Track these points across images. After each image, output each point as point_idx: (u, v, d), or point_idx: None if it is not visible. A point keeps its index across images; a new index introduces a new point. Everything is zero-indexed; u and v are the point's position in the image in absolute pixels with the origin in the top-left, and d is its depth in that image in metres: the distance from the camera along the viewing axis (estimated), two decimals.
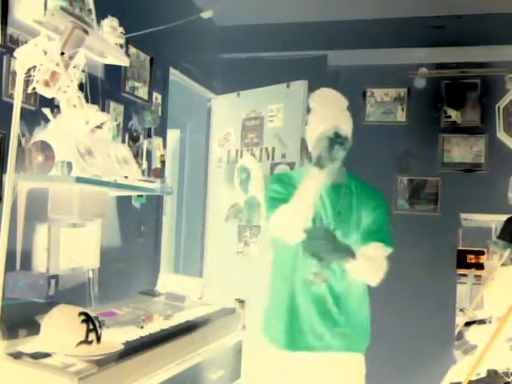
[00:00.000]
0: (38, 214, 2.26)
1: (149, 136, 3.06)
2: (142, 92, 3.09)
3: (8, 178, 1.67)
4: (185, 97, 3.89)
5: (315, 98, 2.02)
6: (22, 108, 1.74)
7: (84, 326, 1.70)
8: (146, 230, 3.21)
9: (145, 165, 2.90)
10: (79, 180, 2.08)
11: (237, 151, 3.86)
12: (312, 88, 1.97)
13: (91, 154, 2.22)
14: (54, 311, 1.76)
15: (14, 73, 1.91)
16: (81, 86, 2.27)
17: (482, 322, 3.07)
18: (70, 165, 2.08)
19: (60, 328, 1.70)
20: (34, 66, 1.92)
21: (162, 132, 3.31)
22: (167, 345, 1.95)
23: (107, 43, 2.48)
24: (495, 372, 2.26)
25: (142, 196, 3.07)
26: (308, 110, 2.05)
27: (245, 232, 3.72)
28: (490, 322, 2.97)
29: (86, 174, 2.13)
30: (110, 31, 2.48)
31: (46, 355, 1.62)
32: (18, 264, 2.17)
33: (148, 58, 3.12)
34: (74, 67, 2.15)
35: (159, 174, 2.98)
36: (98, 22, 2.47)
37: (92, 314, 1.76)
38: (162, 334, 2.02)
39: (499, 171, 3.94)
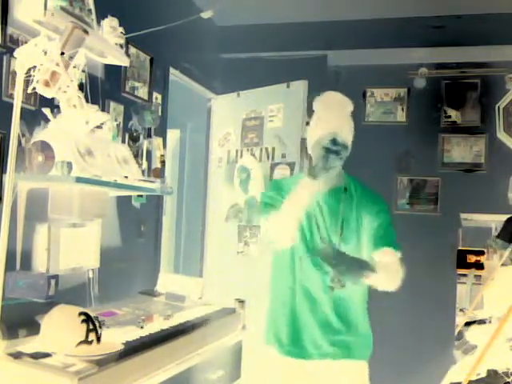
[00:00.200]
0: (38, 214, 2.26)
1: (149, 136, 3.06)
2: (142, 92, 3.09)
3: (8, 178, 1.67)
4: (185, 97, 3.89)
5: (319, 101, 1.99)
6: (22, 108, 1.73)
7: (84, 325, 1.70)
8: (146, 230, 3.21)
9: (145, 165, 2.90)
10: (79, 180, 2.08)
11: (237, 151, 3.86)
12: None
13: (91, 153, 2.22)
14: (53, 311, 1.76)
15: (14, 73, 1.91)
16: (81, 86, 2.27)
17: (482, 321, 3.07)
18: (69, 165, 2.08)
19: (60, 328, 1.70)
20: (34, 66, 1.92)
21: (161, 132, 3.31)
22: (167, 345, 1.95)
23: (107, 43, 2.48)
24: (495, 372, 2.26)
25: (141, 196, 3.07)
26: (311, 110, 2.03)
27: (245, 232, 3.71)
28: (490, 321, 2.98)
29: (86, 174, 2.13)
30: (110, 31, 2.48)
31: (46, 355, 1.62)
32: (17, 264, 2.17)
33: (148, 58, 3.12)
34: (74, 67, 2.15)
35: (159, 173, 2.98)
36: (98, 22, 2.47)
37: (92, 314, 1.76)
38: (162, 334, 2.02)
39: (499, 171, 3.94)
